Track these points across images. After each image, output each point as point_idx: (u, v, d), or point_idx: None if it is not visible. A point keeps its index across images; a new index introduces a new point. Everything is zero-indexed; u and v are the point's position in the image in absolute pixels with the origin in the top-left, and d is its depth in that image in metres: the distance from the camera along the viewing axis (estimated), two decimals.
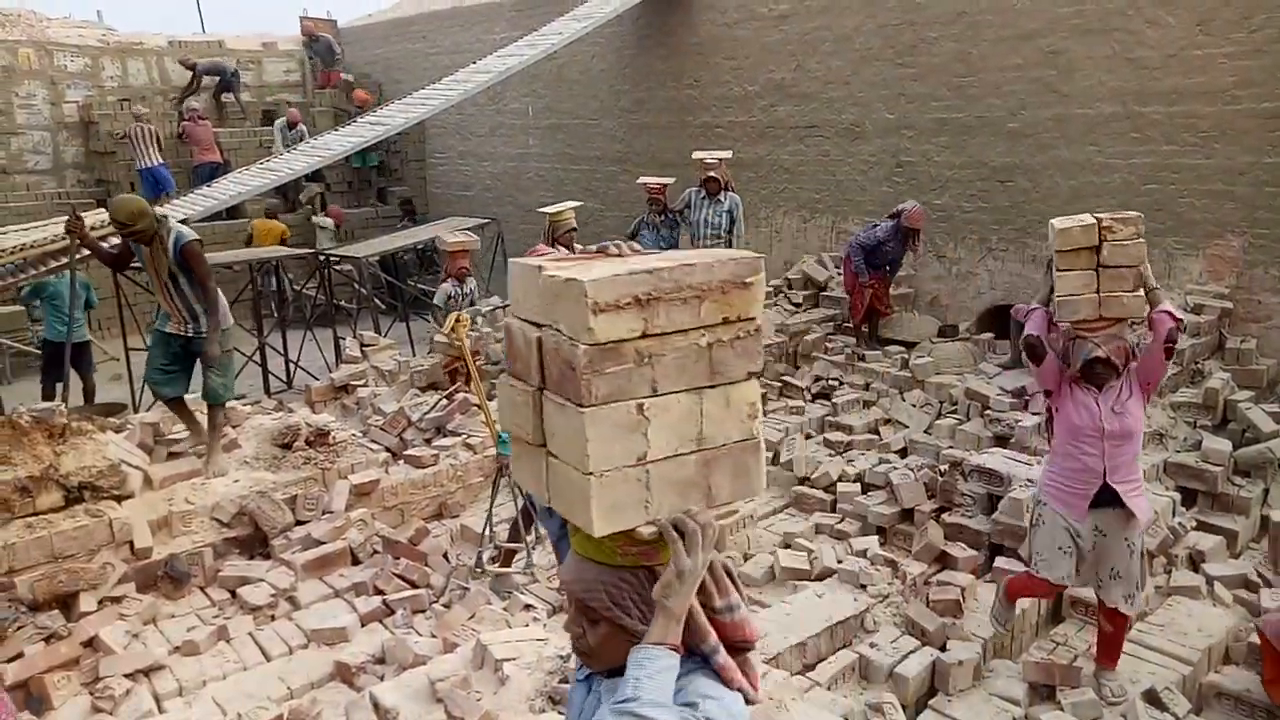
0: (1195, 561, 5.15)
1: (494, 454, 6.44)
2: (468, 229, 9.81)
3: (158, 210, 5.53)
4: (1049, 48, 8.22)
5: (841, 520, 5.69)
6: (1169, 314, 3.80)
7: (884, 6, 9.34)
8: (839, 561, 5.00)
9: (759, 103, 10.67)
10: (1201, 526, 5.43)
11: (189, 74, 14.81)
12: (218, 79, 14.95)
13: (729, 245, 7.97)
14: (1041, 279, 7.89)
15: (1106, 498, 3.91)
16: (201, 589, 4.91)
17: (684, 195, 8.10)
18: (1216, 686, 4.10)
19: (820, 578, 4.92)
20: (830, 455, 6.57)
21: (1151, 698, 3.96)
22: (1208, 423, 6.25)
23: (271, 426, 6.03)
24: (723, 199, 7.90)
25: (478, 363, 7.91)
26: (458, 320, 5.30)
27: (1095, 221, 3.91)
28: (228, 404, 5.77)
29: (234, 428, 6.04)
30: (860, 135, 9.79)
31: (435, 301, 7.96)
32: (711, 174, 7.85)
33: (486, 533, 5.25)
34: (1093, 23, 7.92)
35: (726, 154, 8.50)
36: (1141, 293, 3.91)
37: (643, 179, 9.10)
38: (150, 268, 5.40)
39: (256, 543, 5.24)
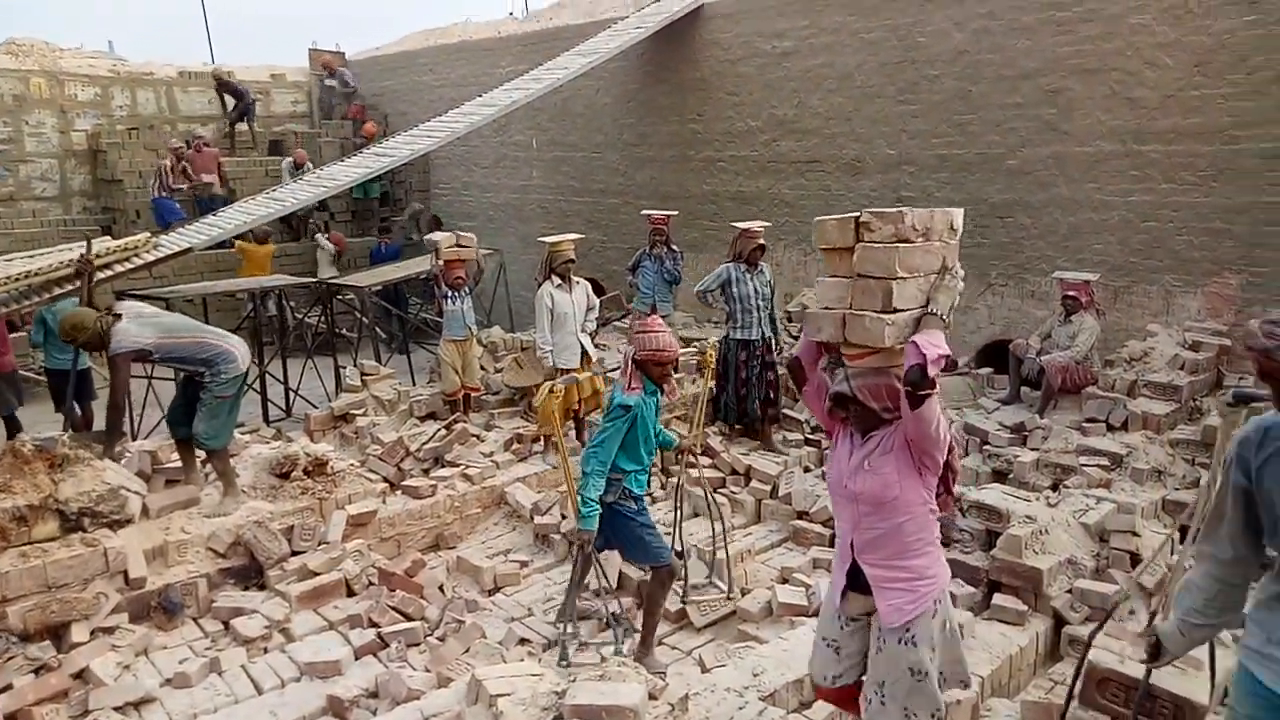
0: None
1: (489, 485, 6.43)
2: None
3: (115, 309, 5.29)
4: (1048, 86, 8.31)
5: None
6: (916, 346, 2.69)
7: (885, 45, 9.46)
8: None
9: (761, 137, 10.77)
10: None
11: (216, 97, 15.19)
12: (235, 104, 15.24)
13: (772, 309, 7.65)
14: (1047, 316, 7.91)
15: (865, 580, 3.02)
16: (195, 620, 4.89)
17: (719, 273, 7.46)
18: None
19: (818, 613, 4.88)
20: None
21: None
22: (1206, 460, 6.23)
23: (269, 455, 6.03)
24: (761, 267, 7.56)
25: (478, 395, 7.93)
26: (551, 391, 5.11)
27: (855, 216, 2.97)
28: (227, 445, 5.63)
29: (231, 457, 6.03)
30: (861, 170, 9.87)
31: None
32: (761, 241, 7.48)
33: (567, 620, 4.79)
34: (1092, 62, 8.02)
35: (768, 223, 8.40)
36: (897, 318, 2.82)
37: (647, 211, 9.17)
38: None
39: (252, 573, 5.22)
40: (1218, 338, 7.26)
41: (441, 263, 7.67)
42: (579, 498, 4.44)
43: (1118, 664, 3.70)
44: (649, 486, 4.85)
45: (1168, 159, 7.69)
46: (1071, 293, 7.36)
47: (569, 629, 4.73)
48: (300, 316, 11.92)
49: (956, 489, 3.32)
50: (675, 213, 9.29)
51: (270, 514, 5.43)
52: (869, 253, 2.91)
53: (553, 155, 13.61)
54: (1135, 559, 5.09)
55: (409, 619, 4.83)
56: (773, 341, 7.65)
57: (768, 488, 6.58)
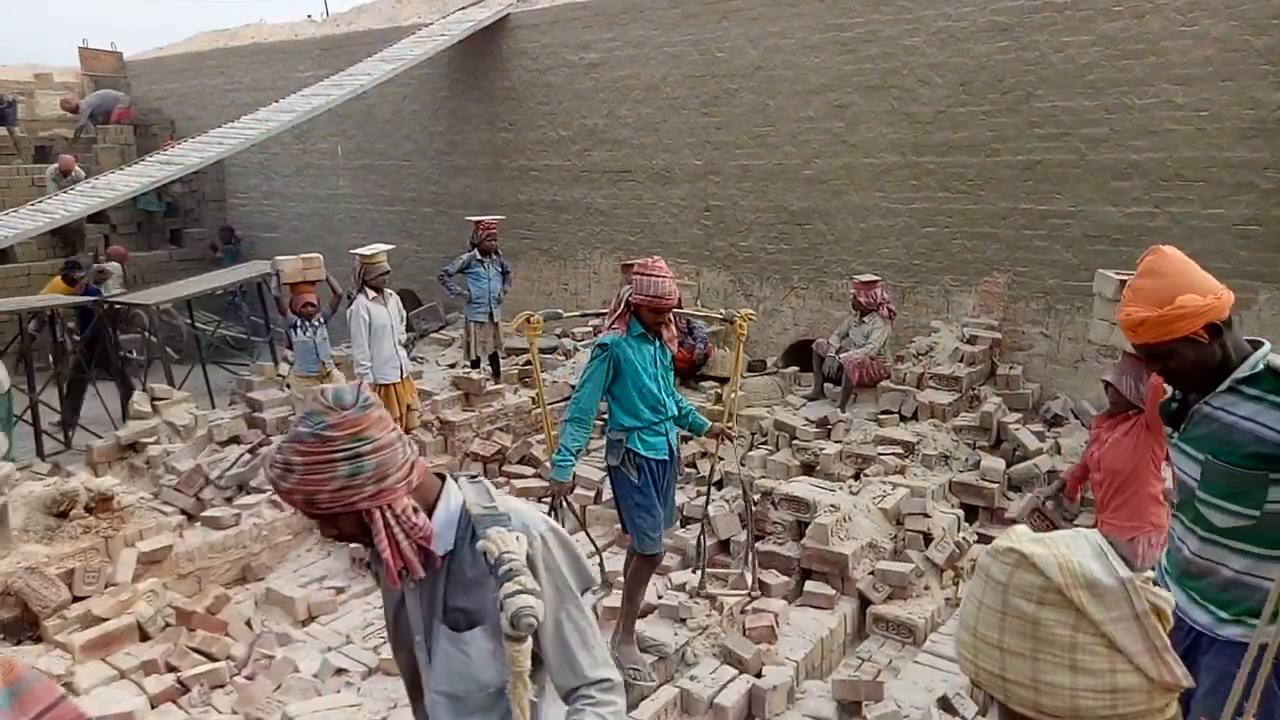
0: None
1: None
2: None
3: None
4: (836, 101, 8.89)
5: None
6: None
7: (687, 59, 9.79)
8: (659, 597, 5.08)
9: (573, 147, 10.87)
10: (982, 539, 5.92)
11: None
12: None
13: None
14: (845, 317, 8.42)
15: None
16: None
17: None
18: None
19: (642, 615, 4.98)
20: None
21: (945, 704, 4.26)
22: (985, 444, 6.86)
23: (44, 494, 5.46)
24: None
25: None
26: (528, 321, 4.82)
27: None
28: None
29: None
30: (670, 180, 10.16)
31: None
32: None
33: None
34: (874, 79, 8.64)
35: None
36: None
37: (475, 217, 9.05)
38: None
39: (25, 626, 4.71)
40: (990, 331, 8.01)
41: (286, 288, 7.12)
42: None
43: None
44: (675, 455, 4.41)
45: (942, 169, 8.41)
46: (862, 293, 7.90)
47: None
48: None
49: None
50: (503, 217, 9.25)
51: (46, 558, 4.92)
52: None
53: (360, 163, 13.14)
54: (928, 538, 5.53)
55: (212, 659, 4.52)
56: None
57: (591, 494, 6.64)
